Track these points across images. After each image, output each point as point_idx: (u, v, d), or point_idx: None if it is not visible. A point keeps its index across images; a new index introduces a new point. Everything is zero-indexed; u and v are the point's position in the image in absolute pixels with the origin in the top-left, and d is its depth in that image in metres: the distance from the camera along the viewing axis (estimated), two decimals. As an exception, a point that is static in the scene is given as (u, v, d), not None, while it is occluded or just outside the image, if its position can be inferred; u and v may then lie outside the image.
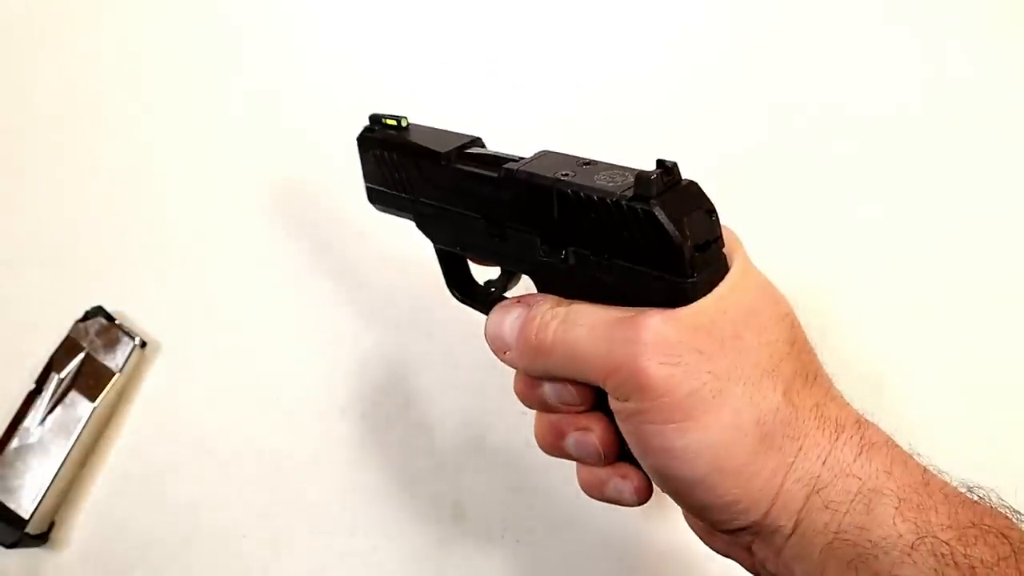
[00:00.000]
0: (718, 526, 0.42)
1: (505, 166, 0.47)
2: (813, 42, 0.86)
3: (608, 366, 0.41)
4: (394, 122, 0.54)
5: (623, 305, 0.43)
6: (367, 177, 0.56)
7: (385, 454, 0.76)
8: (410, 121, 0.55)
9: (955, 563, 0.35)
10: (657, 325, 0.40)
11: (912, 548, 0.36)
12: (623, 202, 0.41)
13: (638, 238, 0.40)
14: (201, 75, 0.88)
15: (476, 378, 0.76)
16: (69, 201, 0.84)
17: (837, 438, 0.40)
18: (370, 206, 0.58)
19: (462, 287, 0.58)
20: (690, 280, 0.40)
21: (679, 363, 0.39)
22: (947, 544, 0.36)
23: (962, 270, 0.78)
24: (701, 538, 0.47)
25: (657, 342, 0.39)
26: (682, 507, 0.45)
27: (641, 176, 0.40)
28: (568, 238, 0.45)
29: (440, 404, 0.75)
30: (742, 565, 0.45)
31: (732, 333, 0.40)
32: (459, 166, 0.50)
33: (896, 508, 0.37)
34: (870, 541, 0.37)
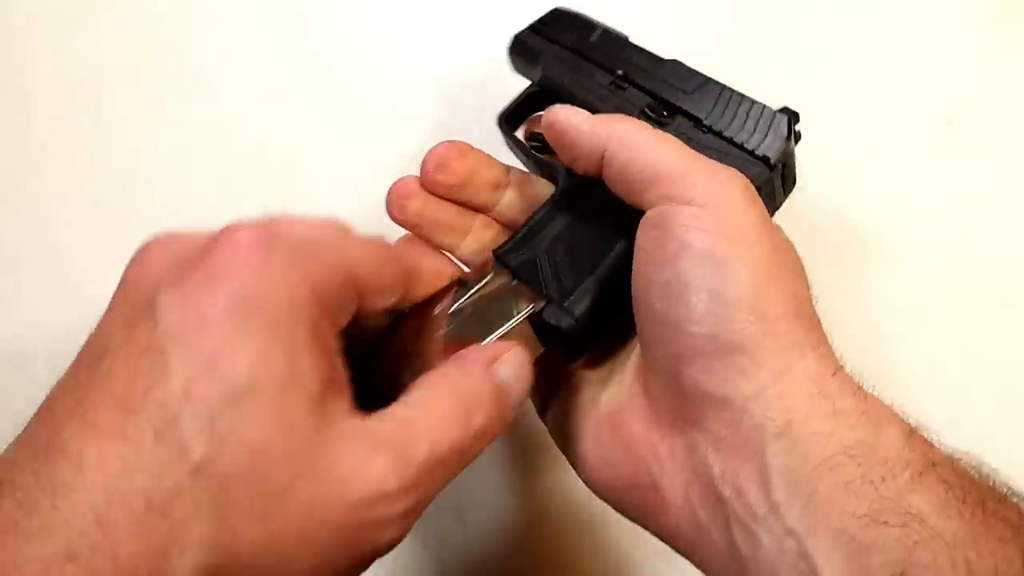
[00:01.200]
0: (700, 385, 0.38)
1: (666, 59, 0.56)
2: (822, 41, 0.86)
3: (680, 171, 0.41)
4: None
5: None
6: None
7: (385, 454, 0.75)
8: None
9: (963, 496, 0.32)
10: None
11: (920, 475, 0.33)
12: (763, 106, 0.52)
13: (754, 129, 0.51)
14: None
15: (476, 378, 0.76)
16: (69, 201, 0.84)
17: (845, 365, 0.39)
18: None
19: (516, 122, 0.61)
20: (773, 171, 0.50)
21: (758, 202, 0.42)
22: (956, 477, 0.33)
23: (964, 269, 0.78)
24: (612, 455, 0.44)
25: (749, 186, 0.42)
26: (659, 359, 0.41)
27: (786, 109, 0.52)
28: (682, 110, 0.53)
29: (440, 404, 0.75)
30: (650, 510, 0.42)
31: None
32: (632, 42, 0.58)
33: (907, 436, 0.35)
34: (878, 461, 0.33)
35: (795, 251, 0.42)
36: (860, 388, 0.38)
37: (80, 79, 0.88)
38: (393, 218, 0.53)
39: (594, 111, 0.48)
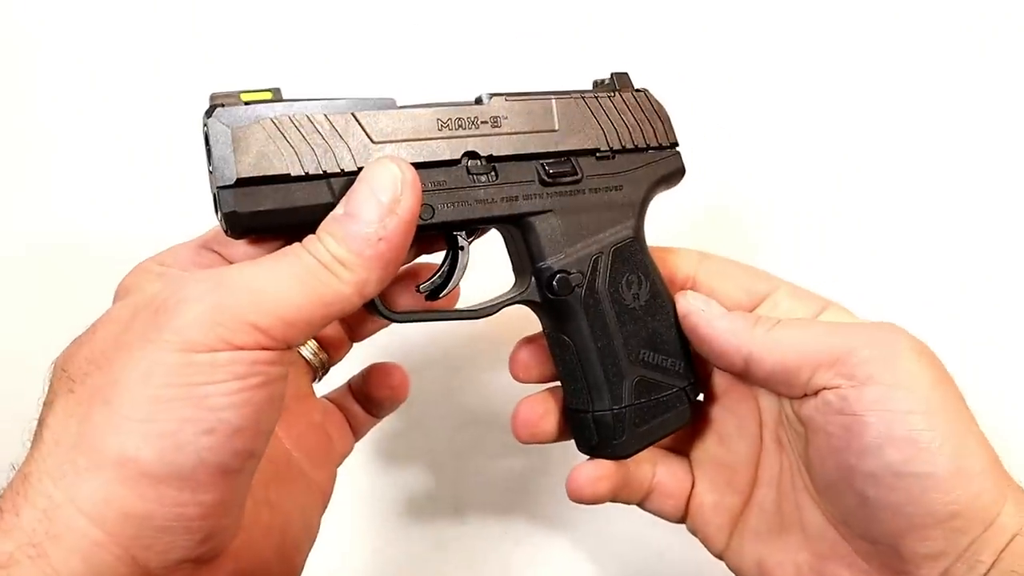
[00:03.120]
0: (919, 550, 0.42)
1: (477, 96, 0.50)
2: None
3: (845, 348, 0.44)
4: (268, 95, 0.44)
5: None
6: (244, 167, 0.42)
7: (385, 454, 0.76)
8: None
9: None
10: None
11: None
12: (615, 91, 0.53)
13: (640, 118, 0.53)
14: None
15: (476, 378, 0.76)
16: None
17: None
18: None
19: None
20: (678, 150, 0.54)
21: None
22: None
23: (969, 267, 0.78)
24: None
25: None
26: (873, 531, 0.44)
27: (615, 75, 0.54)
28: (571, 147, 0.51)
29: (440, 404, 0.76)
30: None
31: None
32: (419, 107, 0.47)
33: None
34: None
35: (946, 370, 0.45)
36: None
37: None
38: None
39: (497, 210, 0.48)
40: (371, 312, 0.48)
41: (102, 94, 0.72)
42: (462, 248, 0.50)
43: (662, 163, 0.55)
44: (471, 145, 0.48)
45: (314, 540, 0.52)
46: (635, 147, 0.54)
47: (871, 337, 0.45)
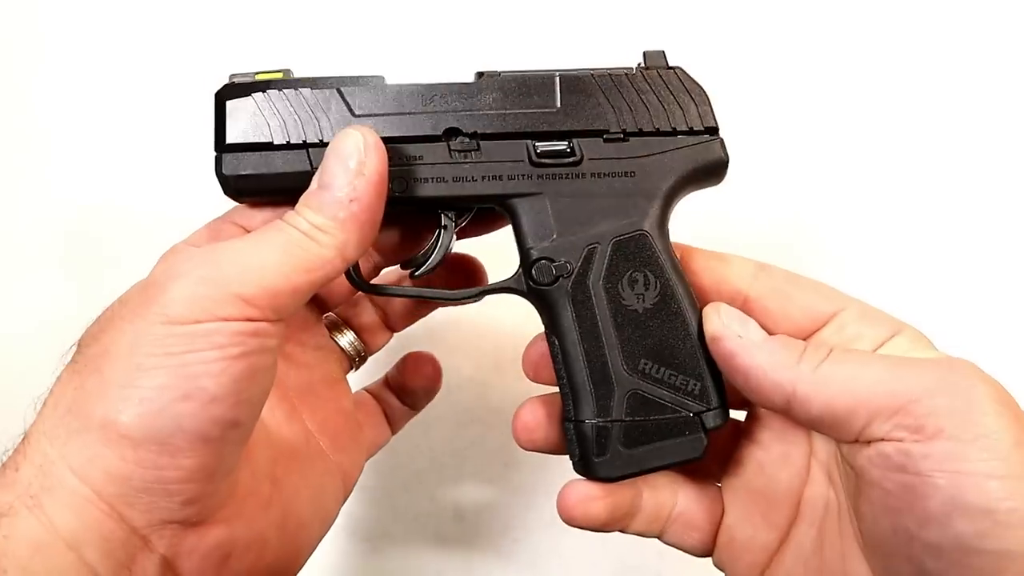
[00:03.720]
0: None
1: (478, 71, 0.49)
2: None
3: (910, 395, 0.37)
4: (280, 75, 0.48)
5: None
6: (233, 134, 0.47)
7: (385, 454, 0.75)
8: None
9: None
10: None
11: None
12: (641, 70, 0.49)
13: (666, 98, 0.49)
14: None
15: (476, 378, 0.76)
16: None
17: None
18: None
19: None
20: (720, 137, 0.49)
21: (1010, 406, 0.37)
22: None
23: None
24: None
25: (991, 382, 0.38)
26: None
27: (648, 53, 0.50)
28: (571, 127, 0.48)
29: (440, 404, 0.75)
30: None
31: None
32: (408, 84, 0.48)
33: None
34: None
35: None
36: None
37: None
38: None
39: (480, 189, 0.47)
40: (351, 283, 0.50)
41: (123, 80, 0.73)
42: (445, 228, 0.50)
43: (693, 150, 0.48)
44: (453, 121, 0.48)
45: (329, 524, 0.52)
46: (657, 130, 0.48)
47: (942, 381, 0.38)
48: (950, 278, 0.75)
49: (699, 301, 0.48)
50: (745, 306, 0.47)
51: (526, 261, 0.48)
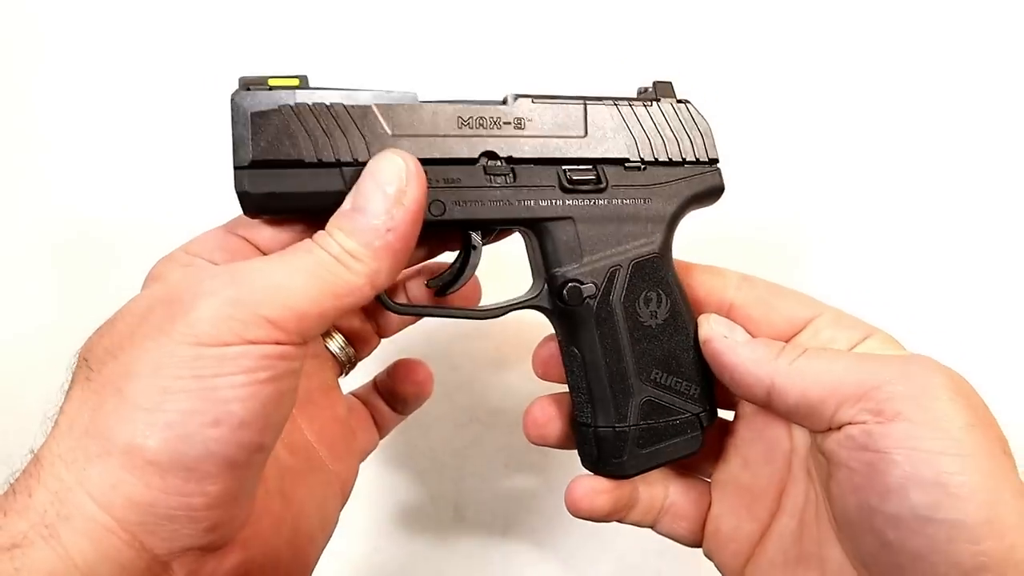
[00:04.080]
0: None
1: (512, 94, 0.49)
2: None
3: (873, 383, 0.41)
4: (296, 81, 0.45)
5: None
6: (259, 149, 0.44)
7: (385, 454, 0.76)
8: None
9: None
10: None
11: None
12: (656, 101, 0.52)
13: (678, 130, 0.52)
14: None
15: (476, 378, 0.76)
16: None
17: None
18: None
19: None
20: (718, 165, 0.52)
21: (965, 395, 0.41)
22: None
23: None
24: None
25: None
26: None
27: (657, 84, 0.52)
28: (598, 155, 0.50)
29: (440, 404, 0.76)
30: None
31: None
32: (444, 103, 0.47)
33: None
34: None
35: (989, 410, 0.42)
36: None
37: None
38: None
39: (515, 212, 0.48)
40: (383, 306, 0.50)
41: (124, 83, 0.73)
42: (475, 247, 0.50)
43: (699, 179, 0.53)
44: (490, 145, 0.48)
45: (331, 533, 0.52)
46: (669, 160, 0.52)
47: (902, 371, 0.42)
48: (941, 280, 0.75)
49: (696, 312, 0.53)
50: (730, 313, 0.51)
51: (554, 282, 0.50)
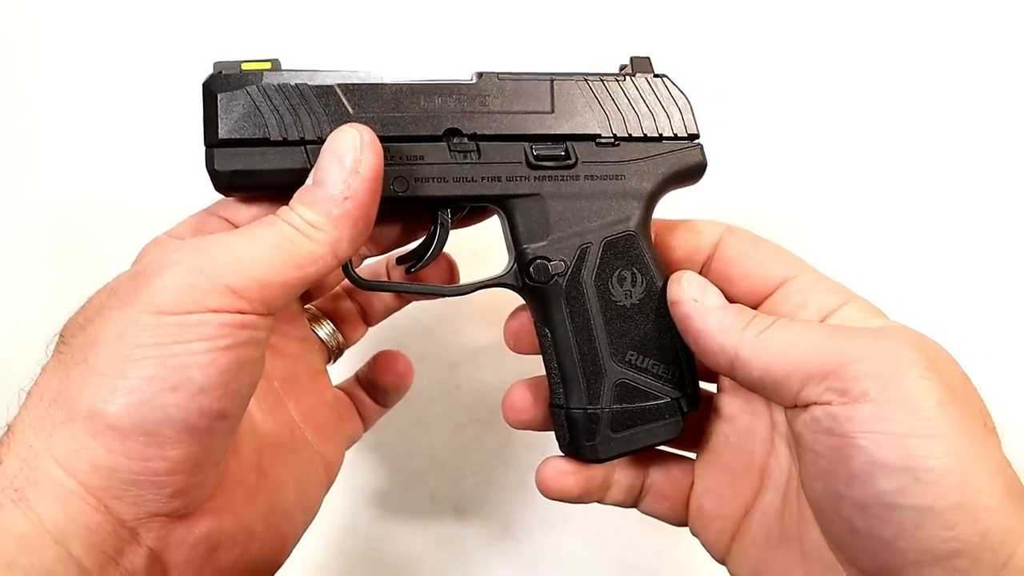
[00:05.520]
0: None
1: (476, 72, 0.49)
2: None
3: (840, 360, 0.39)
4: (267, 65, 0.47)
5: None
6: (226, 129, 0.46)
7: (385, 454, 0.76)
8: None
9: None
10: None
11: None
12: (627, 75, 0.50)
13: (654, 105, 0.50)
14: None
15: (476, 378, 0.76)
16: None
17: None
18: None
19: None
20: (699, 140, 0.51)
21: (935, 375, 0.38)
22: None
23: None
24: None
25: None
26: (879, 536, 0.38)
27: (635, 59, 0.52)
28: (566, 131, 0.49)
29: (440, 404, 0.76)
30: None
31: None
32: (407, 83, 0.48)
33: None
34: None
35: (970, 382, 0.40)
36: None
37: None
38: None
39: (480, 189, 0.48)
40: (349, 280, 0.50)
41: (106, 73, 0.73)
42: (442, 225, 0.50)
43: (678, 155, 0.51)
44: (454, 122, 0.48)
45: (313, 515, 0.52)
46: (645, 136, 0.51)
47: (871, 347, 0.39)
48: (941, 280, 0.75)
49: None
50: (707, 266, 0.50)
51: (522, 259, 0.50)
